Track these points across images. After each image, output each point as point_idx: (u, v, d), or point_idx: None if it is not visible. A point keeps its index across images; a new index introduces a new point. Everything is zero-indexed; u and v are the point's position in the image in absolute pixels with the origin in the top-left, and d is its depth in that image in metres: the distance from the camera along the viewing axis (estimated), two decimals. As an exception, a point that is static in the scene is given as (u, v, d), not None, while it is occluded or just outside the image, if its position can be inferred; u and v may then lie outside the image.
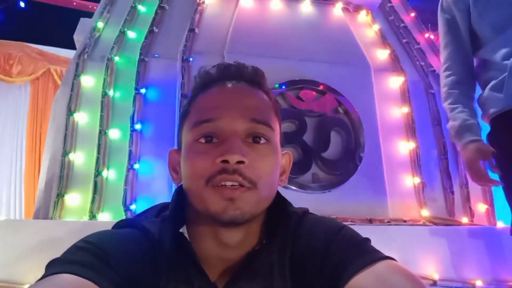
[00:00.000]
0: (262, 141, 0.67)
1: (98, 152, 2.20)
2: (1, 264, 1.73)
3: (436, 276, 1.97)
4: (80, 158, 2.21)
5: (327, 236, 0.69)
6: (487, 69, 1.55)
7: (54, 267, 0.56)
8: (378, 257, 0.63)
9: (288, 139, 2.27)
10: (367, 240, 0.69)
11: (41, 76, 5.61)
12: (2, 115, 5.39)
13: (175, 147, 0.77)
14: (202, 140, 0.66)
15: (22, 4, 5.24)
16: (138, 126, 2.26)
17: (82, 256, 0.58)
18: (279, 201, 0.74)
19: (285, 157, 0.77)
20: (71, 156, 2.19)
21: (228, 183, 0.63)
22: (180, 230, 0.69)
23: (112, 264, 0.59)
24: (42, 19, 5.34)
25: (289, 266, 0.70)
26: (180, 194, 0.72)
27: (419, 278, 0.59)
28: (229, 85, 0.70)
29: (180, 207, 0.71)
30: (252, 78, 0.72)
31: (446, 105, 1.62)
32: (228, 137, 0.65)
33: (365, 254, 0.64)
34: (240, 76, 0.72)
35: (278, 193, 0.74)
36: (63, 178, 2.13)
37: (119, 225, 0.72)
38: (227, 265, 0.69)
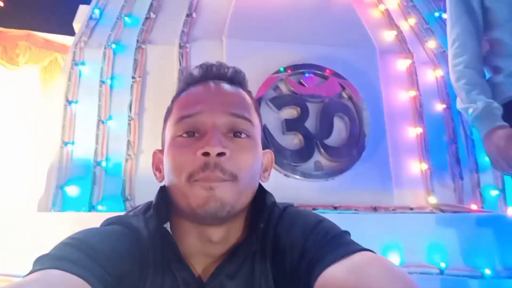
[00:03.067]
0: (243, 135, 0.69)
1: (97, 142, 2.17)
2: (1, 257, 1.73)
3: (443, 265, 1.91)
4: (79, 148, 2.18)
5: (305, 230, 0.68)
6: (502, 52, 1.44)
7: (41, 263, 0.57)
8: (355, 249, 0.61)
9: (289, 126, 2.21)
10: (346, 232, 0.68)
11: (49, 65, 5.60)
12: (10, 104, 5.40)
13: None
14: (184, 135, 0.68)
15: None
16: (136, 115, 2.21)
17: (70, 252, 0.59)
18: (262, 196, 0.74)
19: (266, 155, 0.78)
20: (70, 147, 2.16)
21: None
22: (164, 226, 0.70)
23: (99, 260, 0.60)
24: (47, 7, 5.30)
25: (270, 261, 0.70)
26: (163, 193, 0.73)
27: (400, 269, 0.56)
28: (211, 83, 0.73)
29: (163, 204, 0.72)
30: (233, 78, 0.75)
31: (460, 84, 1.46)
32: (209, 130, 0.66)
33: (341, 246, 0.62)
34: (222, 76, 0.74)
35: (261, 188, 0.74)
36: (62, 169, 2.12)
37: (106, 222, 0.73)
38: (211, 260, 0.70)
